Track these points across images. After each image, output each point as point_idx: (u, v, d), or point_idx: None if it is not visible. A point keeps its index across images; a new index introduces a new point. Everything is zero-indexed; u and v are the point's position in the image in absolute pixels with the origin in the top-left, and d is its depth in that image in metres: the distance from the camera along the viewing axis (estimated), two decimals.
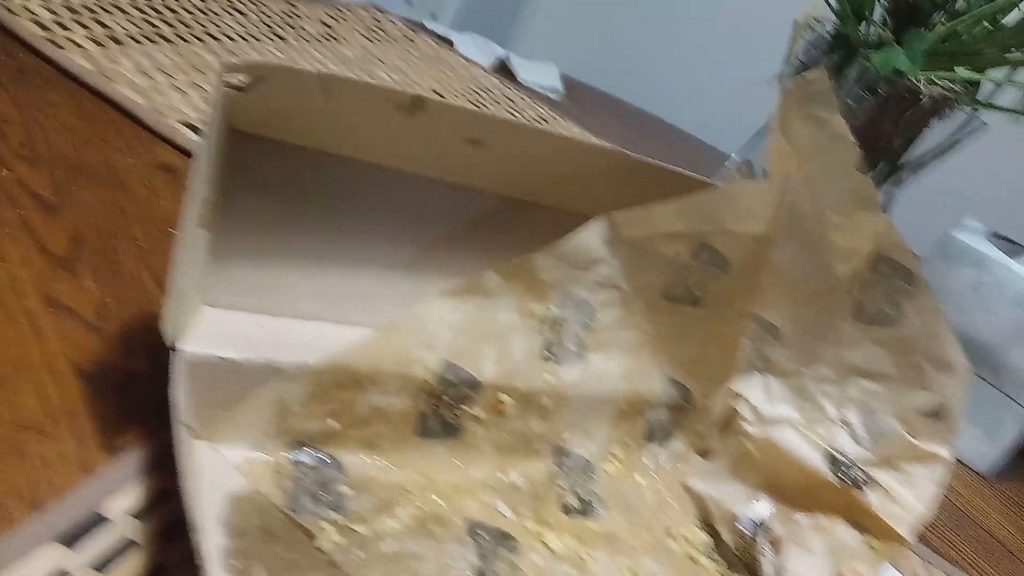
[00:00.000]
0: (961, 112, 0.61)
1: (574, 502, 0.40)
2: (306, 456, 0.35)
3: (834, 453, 0.41)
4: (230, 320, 0.35)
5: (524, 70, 1.06)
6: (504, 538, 0.36)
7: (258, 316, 0.36)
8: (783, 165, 0.39)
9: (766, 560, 0.38)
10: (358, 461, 0.36)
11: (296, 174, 0.36)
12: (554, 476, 0.40)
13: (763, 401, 0.44)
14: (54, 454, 0.31)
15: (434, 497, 0.36)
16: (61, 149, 0.47)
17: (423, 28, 1.06)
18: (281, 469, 0.34)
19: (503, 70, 1.06)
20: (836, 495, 0.40)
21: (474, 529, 0.36)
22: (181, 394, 0.30)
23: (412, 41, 0.97)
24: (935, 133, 0.64)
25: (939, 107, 0.60)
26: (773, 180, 0.39)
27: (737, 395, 0.44)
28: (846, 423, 0.42)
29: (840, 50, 0.53)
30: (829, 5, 0.56)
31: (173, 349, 0.31)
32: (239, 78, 0.31)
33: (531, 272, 0.39)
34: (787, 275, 0.41)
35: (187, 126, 0.54)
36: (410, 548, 0.33)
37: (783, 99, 0.39)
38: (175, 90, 0.58)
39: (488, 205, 0.41)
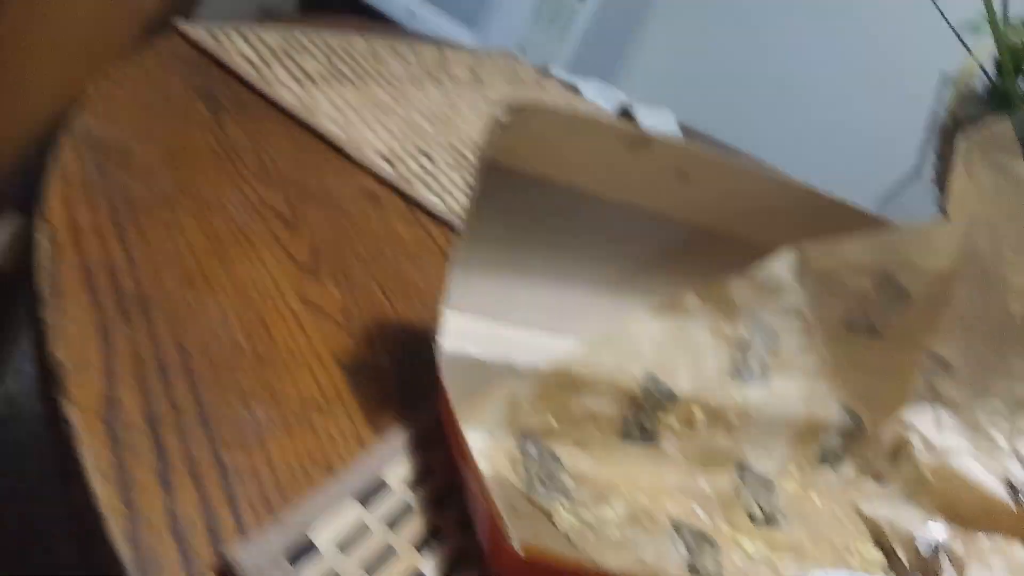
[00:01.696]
0: None
1: (758, 512, 0.43)
2: (532, 447, 0.39)
3: (1011, 479, 0.43)
4: (471, 323, 0.40)
5: (644, 115, 1.11)
6: (704, 538, 0.39)
7: (492, 320, 0.41)
8: (967, 207, 0.42)
9: (946, 574, 0.40)
10: (572, 457, 0.40)
11: (527, 200, 0.41)
12: (738, 488, 0.43)
13: (933, 431, 0.46)
14: (335, 430, 0.35)
15: (639, 495, 0.40)
16: (288, 174, 0.53)
17: (549, 75, 1.12)
18: (512, 456, 0.38)
19: (624, 115, 1.11)
20: (1015, 520, 0.42)
21: (678, 527, 0.39)
22: (446, 378, 0.35)
23: (543, 87, 1.04)
24: None
25: None
26: (955, 221, 0.42)
27: (908, 425, 0.46)
28: (1018, 454, 0.44)
29: (996, 104, 0.56)
30: (982, 67, 0.59)
31: (435, 341, 0.36)
32: (503, 114, 0.36)
33: (725, 295, 0.43)
34: (965, 311, 0.44)
35: (381, 157, 0.60)
36: (629, 536, 0.37)
37: (966, 146, 0.42)
38: (364, 125, 0.64)
39: (684, 234, 0.45)
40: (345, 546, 0.30)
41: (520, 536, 0.32)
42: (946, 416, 0.46)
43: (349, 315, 0.43)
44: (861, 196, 0.71)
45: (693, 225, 0.45)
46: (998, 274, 0.43)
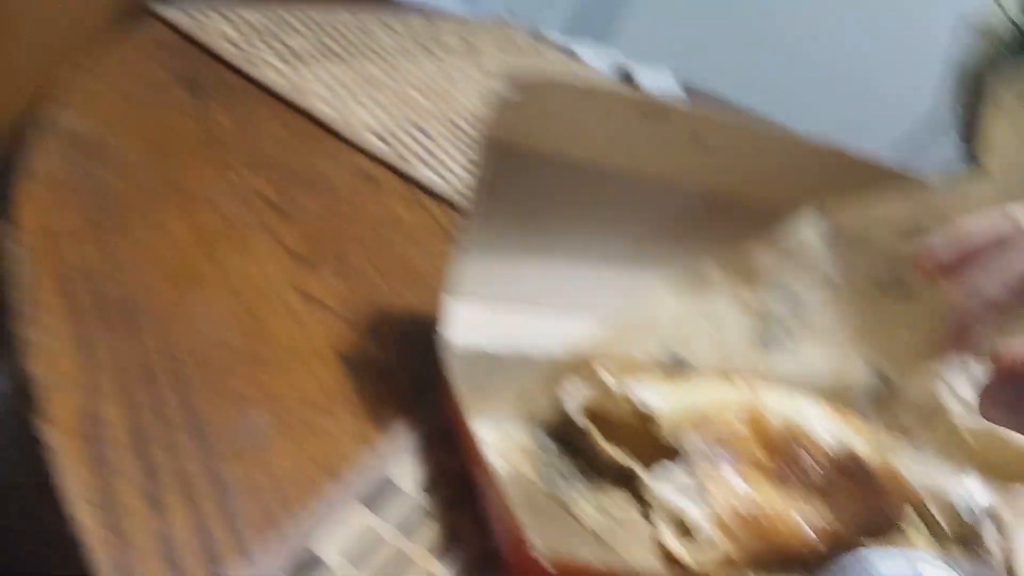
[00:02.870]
0: None
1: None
2: (546, 439, 0.37)
3: None
4: (478, 310, 0.37)
5: (645, 77, 1.08)
6: None
7: (501, 305, 0.38)
8: (1006, 156, 0.39)
9: (990, 539, 0.38)
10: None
11: (536, 177, 0.38)
12: None
13: (969, 390, 0.44)
14: (339, 430, 0.33)
15: None
16: (278, 159, 0.50)
17: (544, 39, 1.09)
18: (528, 451, 0.36)
19: (624, 78, 1.08)
20: None
21: None
22: (456, 376, 0.32)
23: (540, 53, 1.00)
24: None
25: None
26: (996, 173, 0.39)
27: (942, 384, 0.44)
28: None
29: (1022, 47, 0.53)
30: (1004, 9, 0.56)
31: (438, 335, 0.34)
32: (508, 90, 0.33)
33: (748, 262, 0.40)
34: None
35: (375, 136, 0.57)
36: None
37: (1003, 92, 0.39)
38: (356, 102, 0.61)
39: (702, 201, 0.42)
40: (355, 557, 0.28)
41: (543, 541, 0.30)
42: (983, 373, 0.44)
43: (350, 306, 0.40)
44: (873, 148, 0.68)
45: (711, 192, 0.43)
46: None
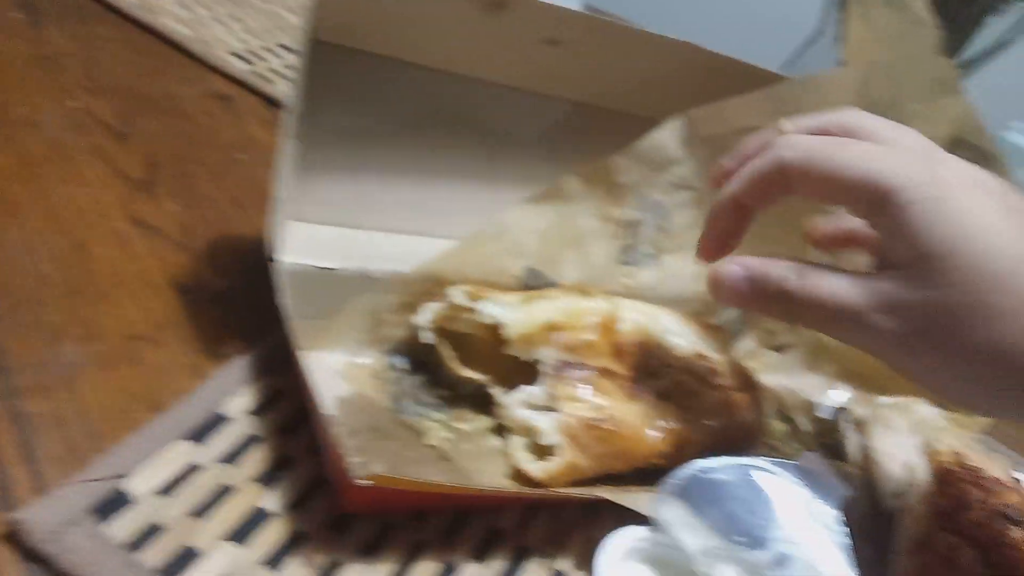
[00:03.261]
0: (1017, 9, 0.59)
1: None
2: (400, 361, 0.35)
3: None
4: (321, 233, 0.35)
5: None
6: None
7: (346, 229, 0.36)
8: (863, 53, 0.38)
9: (850, 441, 0.39)
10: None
11: (376, 85, 0.36)
12: None
13: None
14: (168, 361, 0.31)
15: None
16: (121, 81, 0.47)
17: None
18: (379, 374, 0.34)
19: None
20: None
21: None
22: (288, 300, 0.30)
23: None
24: (989, 32, 0.62)
25: (996, 3, 0.58)
26: (852, 68, 0.39)
27: None
28: None
29: None
30: None
31: (271, 260, 0.32)
32: None
33: (609, 175, 0.39)
34: None
35: (235, 56, 0.54)
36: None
37: None
38: (216, 22, 0.57)
39: (562, 111, 0.41)
40: (168, 489, 0.26)
41: (383, 462, 0.29)
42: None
43: (191, 233, 0.38)
44: (764, 62, 0.67)
45: (571, 102, 0.41)
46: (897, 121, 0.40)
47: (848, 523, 0.26)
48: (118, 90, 0.46)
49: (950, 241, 0.25)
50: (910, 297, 0.25)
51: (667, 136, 0.39)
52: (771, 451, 0.40)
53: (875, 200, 0.26)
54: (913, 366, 0.26)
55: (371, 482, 0.24)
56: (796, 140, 0.29)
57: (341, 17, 0.32)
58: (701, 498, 0.26)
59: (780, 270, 0.28)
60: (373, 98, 0.36)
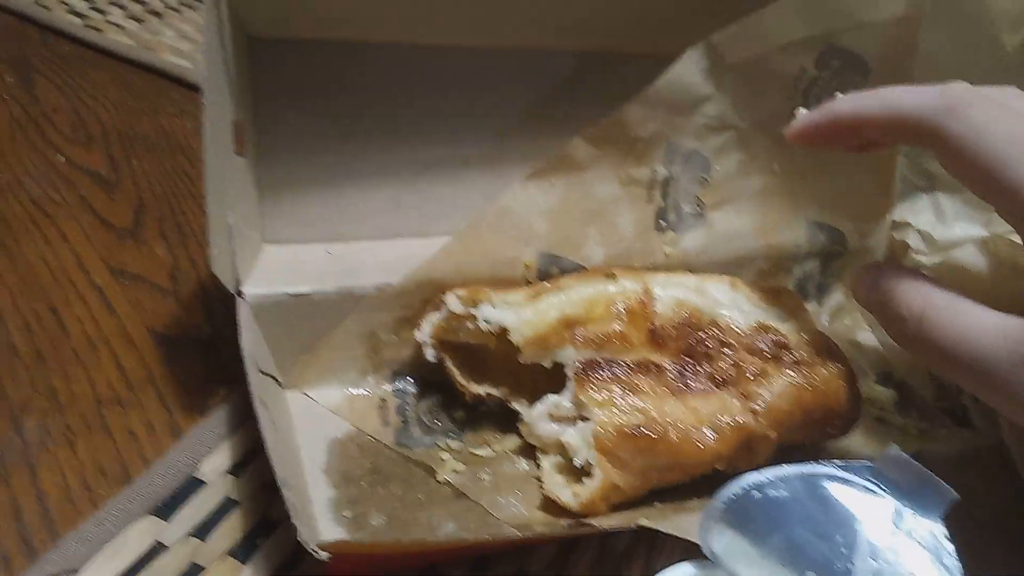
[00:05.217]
0: None
1: None
2: (406, 385, 0.31)
3: None
4: (295, 254, 0.31)
5: None
6: None
7: (326, 244, 0.32)
8: None
9: (980, 403, 0.31)
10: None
11: (331, 77, 0.31)
12: None
13: (935, 224, 0.36)
14: (140, 424, 0.28)
15: None
16: (113, 125, 0.44)
17: None
18: (382, 404, 0.30)
19: None
20: None
21: None
22: (249, 341, 0.26)
23: None
24: None
25: None
26: None
27: (903, 224, 0.36)
28: None
29: None
30: None
31: (238, 295, 0.28)
32: None
33: (624, 131, 0.32)
34: (944, 60, 0.33)
35: None
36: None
37: None
38: None
39: (564, 66, 0.35)
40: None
41: (380, 511, 0.24)
42: (948, 202, 0.36)
43: (179, 277, 0.35)
44: None
45: (571, 53, 0.35)
46: (974, 5, 0.32)
47: (968, 530, 0.20)
48: (109, 135, 0.44)
49: None
50: None
51: (688, 71, 0.32)
52: (879, 424, 0.33)
53: None
54: None
55: (326, 554, 0.20)
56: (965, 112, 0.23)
57: (270, 6, 0.28)
58: (758, 522, 0.20)
59: (901, 305, 0.23)
60: (331, 92, 0.31)
